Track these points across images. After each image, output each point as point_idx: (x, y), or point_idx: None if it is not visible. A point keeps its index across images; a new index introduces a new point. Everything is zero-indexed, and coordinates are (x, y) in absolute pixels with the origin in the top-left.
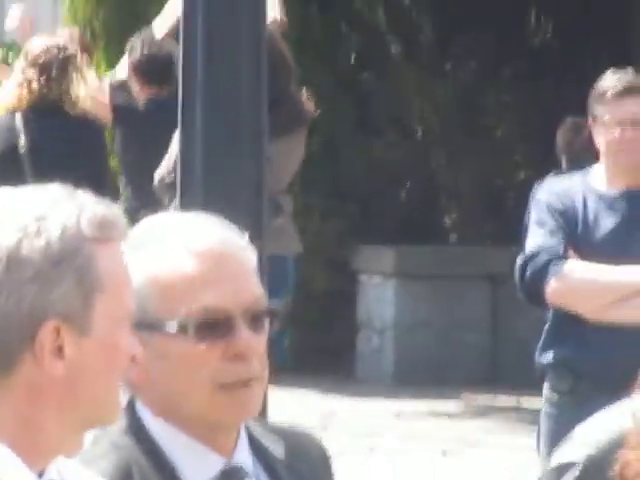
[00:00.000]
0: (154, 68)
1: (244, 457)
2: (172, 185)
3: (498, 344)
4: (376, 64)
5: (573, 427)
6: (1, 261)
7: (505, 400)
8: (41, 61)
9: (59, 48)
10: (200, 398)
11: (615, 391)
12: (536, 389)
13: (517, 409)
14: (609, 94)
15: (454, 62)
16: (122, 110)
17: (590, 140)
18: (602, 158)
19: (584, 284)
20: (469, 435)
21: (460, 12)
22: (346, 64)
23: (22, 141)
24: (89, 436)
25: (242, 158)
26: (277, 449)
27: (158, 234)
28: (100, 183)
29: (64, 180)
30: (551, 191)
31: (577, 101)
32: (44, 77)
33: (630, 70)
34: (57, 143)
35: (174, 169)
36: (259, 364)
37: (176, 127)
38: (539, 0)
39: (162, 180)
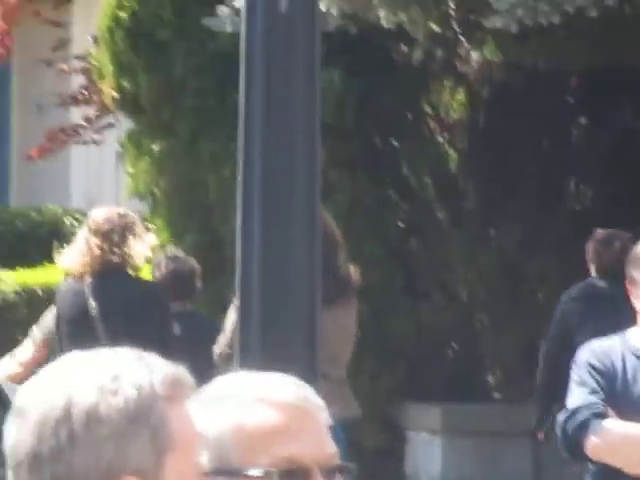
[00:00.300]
0: (178, 284)
1: None
2: (231, 356)
3: None
4: (423, 230)
5: None
6: (81, 419)
7: None
8: (104, 229)
9: (120, 215)
10: None
11: None
12: None
13: None
14: None
15: (498, 228)
16: None
17: (621, 252)
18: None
19: (623, 440)
20: None
21: (504, 180)
22: (394, 231)
23: (92, 305)
24: None
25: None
26: None
27: (237, 389)
28: (165, 342)
29: (133, 340)
30: (592, 351)
31: None
32: (107, 244)
33: None
34: (124, 305)
35: (231, 343)
36: None
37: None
38: (578, 167)
39: (221, 354)
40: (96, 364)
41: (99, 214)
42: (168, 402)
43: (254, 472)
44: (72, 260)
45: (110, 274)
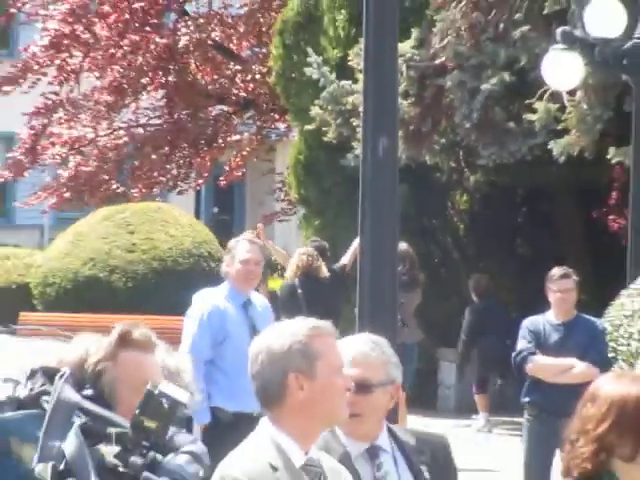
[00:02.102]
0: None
1: (384, 442)
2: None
3: None
4: (447, 264)
5: (538, 431)
6: (265, 351)
7: None
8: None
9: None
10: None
11: (558, 416)
12: None
13: None
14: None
15: (483, 266)
16: None
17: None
18: (552, 307)
19: (543, 366)
20: None
21: (486, 241)
22: (434, 262)
23: (300, 296)
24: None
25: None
26: (410, 439)
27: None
28: (338, 312)
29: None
30: (529, 321)
31: None
32: (310, 258)
33: None
34: (319, 294)
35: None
36: None
37: None
38: (526, 235)
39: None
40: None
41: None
42: (314, 338)
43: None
44: (289, 268)
45: (310, 276)
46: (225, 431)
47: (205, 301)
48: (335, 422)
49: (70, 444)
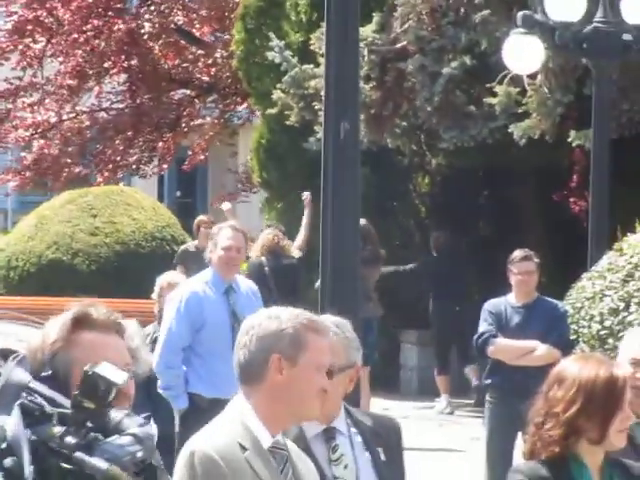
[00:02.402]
0: None
1: (341, 424)
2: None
3: None
4: (409, 242)
5: (500, 413)
6: (257, 327)
7: None
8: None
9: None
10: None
11: (520, 398)
12: None
13: None
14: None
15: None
16: None
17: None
18: (513, 289)
19: (505, 348)
20: None
21: (447, 219)
22: (395, 239)
23: (268, 274)
24: None
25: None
26: (367, 421)
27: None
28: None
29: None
30: (490, 304)
31: None
32: (276, 237)
33: None
34: (286, 272)
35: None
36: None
37: None
38: (484, 215)
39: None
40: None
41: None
42: (306, 330)
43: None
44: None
45: (275, 254)
46: (202, 417)
47: (185, 286)
48: (304, 417)
49: (9, 423)
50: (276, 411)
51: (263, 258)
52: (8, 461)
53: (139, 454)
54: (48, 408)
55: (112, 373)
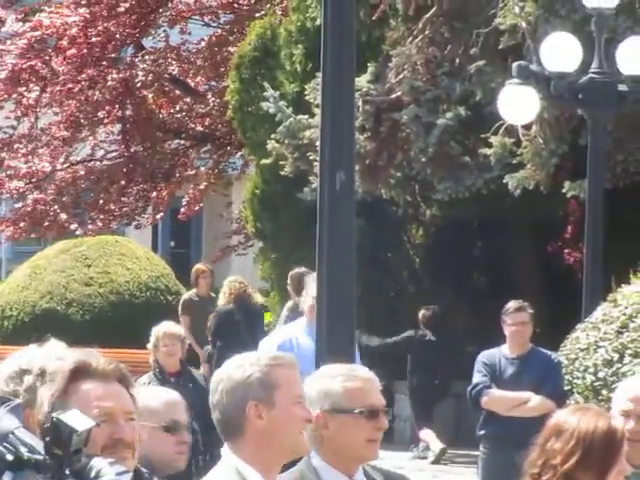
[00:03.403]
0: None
1: (359, 477)
2: None
3: None
4: (403, 292)
5: (493, 464)
6: (225, 380)
7: None
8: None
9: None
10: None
11: (513, 448)
12: None
13: None
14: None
15: (438, 291)
16: None
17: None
18: (507, 341)
19: (498, 399)
20: None
21: (439, 270)
22: (392, 290)
23: (238, 321)
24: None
25: None
26: (378, 477)
27: (340, 369)
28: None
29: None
30: (483, 355)
31: None
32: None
33: None
34: (253, 319)
35: None
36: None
37: None
38: (478, 265)
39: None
40: (240, 359)
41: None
42: (273, 367)
43: (356, 410)
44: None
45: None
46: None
47: (280, 332)
48: (295, 453)
49: None
50: (267, 456)
51: (232, 306)
52: None
53: None
54: (25, 455)
55: (75, 420)
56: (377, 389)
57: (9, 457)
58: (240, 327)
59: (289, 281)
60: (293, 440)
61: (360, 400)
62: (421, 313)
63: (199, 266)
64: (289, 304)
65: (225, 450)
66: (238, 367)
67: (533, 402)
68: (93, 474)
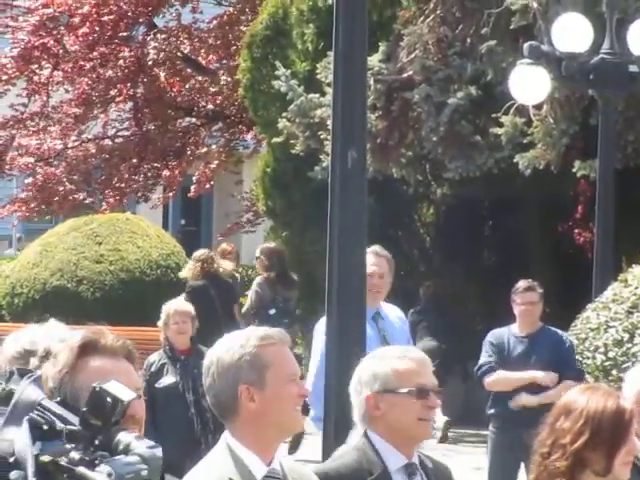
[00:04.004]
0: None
1: (416, 460)
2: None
3: None
4: (413, 271)
5: (502, 443)
6: (216, 363)
7: None
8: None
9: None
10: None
11: (522, 427)
12: None
13: None
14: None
15: (447, 268)
16: None
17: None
18: (517, 320)
19: (502, 380)
20: None
21: (450, 248)
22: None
23: (214, 296)
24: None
25: None
26: (428, 463)
27: (389, 351)
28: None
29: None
30: (492, 334)
31: None
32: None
33: None
34: (224, 292)
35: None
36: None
37: None
38: (489, 245)
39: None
40: (231, 338)
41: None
42: (262, 347)
43: (404, 390)
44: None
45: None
46: None
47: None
48: (290, 431)
49: (18, 438)
50: (262, 437)
51: (205, 281)
52: (14, 474)
53: (143, 473)
54: (58, 425)
55: (119, 390)
56: (428, 369)
57: (45, 427)
58: (214, 301)
59: (260, 255)
60: (287, 419)
61: (409, 380)
62: (421, 289)
63: (224, 246)
64: (258, 279)
65: (224, 433)
66: (228, 350)
67: (555, 390)
68: (122, 447)
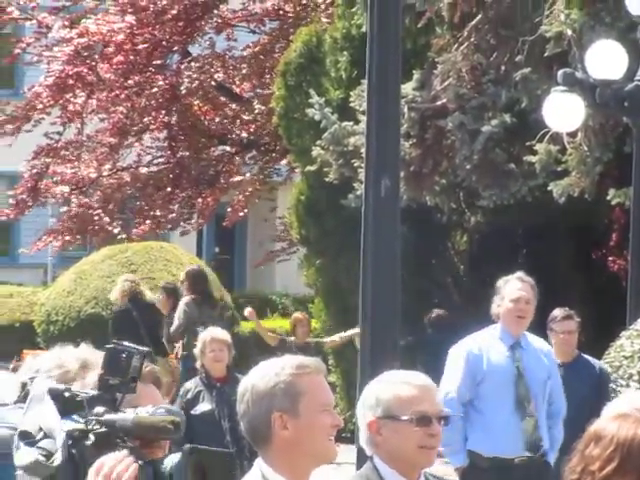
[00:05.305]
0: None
1: None
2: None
3: None
4: (449, 295)
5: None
6: (250, 390)
7: None
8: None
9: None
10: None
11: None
12: None
13: None
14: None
15: (482, 294)
16: None
17: None
18: (554, 348)
19: None
20: None
21: (483, 275)
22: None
23: (136, 319)
24: None
25: None
26: None
27: (393, 376)
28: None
29: None
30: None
31: None
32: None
33: None
34: (150, 316)
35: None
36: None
37: None
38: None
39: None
40: (265, 367)
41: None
42: (296, 376)
43: (405, 417)
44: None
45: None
46: (481, 476)
47: (471, 339)
48: (323, 461)
49: (44, 414)
50: (294, 465)
51: (128, 305)
52: (45, 442)
53: (170, 417)
54: (79, 394)
55: (131, 345)
56: (432, 396)
57: (66, 393)
58: (138, 325)
59: (184, 278)
60: (320, 448)
61: (411, 407)
62: (434, 314)
63: (297, 315)
64: (186, 299)
65: (258, 459)
66: (262, 377)
67: None
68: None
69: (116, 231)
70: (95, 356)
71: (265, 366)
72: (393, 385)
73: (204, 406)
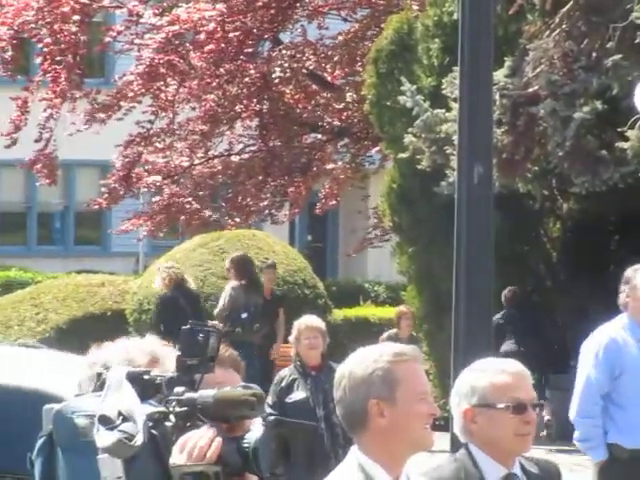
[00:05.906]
0: None
1: (517, 470)
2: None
3: None
4: (542, 283)
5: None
6: (348, 377)
7: None
8: None
9: None
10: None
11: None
12: None
13: None
14: None
15: (571, 282)
16: None
17: None
18: None
19: None
20: None
21: (574, 263)
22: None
23: (184, 306)
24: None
25: None
26: (533, 468)
27: (489, 364)
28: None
29: None
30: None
31: None
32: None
33: None
34: (193, 301)
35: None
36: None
37: None
38: (614, 256)
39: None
40: (365, 353)
41: None
42: (395, 363)
43: (500, 405)
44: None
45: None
46: (622, 469)
47: (602, 332)
48: (419, 448)
49: (123, 399)
50: (390, 452)
51: (173, 292)
52: (125, 426)
53: (251, 391)
54: (156, 377)
55: (208, 324)
56: (526, 383)
57: (145, 376)
58: (186, 313)
59: (229, 265)
60: (416, 436)
61: (506, 394)
62: (503, 294)
63: (401, 308)
64: (233, 283)
65: (353, 446)
66: (360, 363)
67: None
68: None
69: (213, 217)
70: (162, 349)
71: (363, 353)
72: (487, 373)
73: (299, 394)
